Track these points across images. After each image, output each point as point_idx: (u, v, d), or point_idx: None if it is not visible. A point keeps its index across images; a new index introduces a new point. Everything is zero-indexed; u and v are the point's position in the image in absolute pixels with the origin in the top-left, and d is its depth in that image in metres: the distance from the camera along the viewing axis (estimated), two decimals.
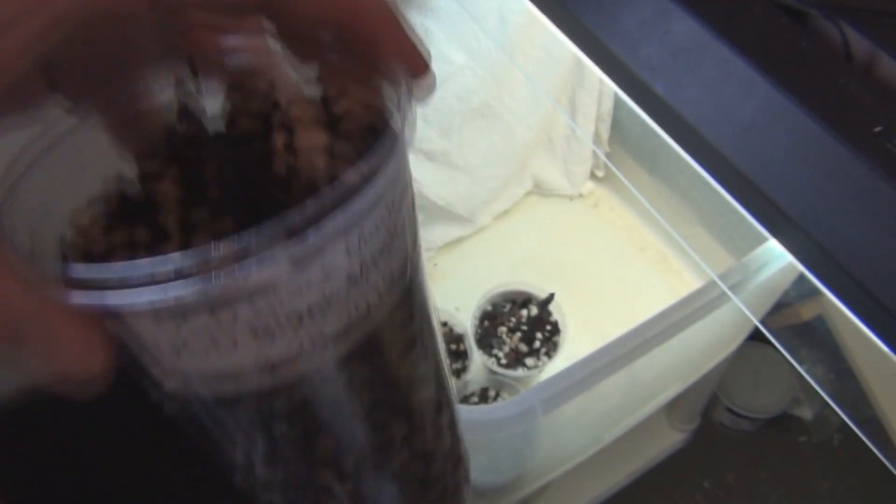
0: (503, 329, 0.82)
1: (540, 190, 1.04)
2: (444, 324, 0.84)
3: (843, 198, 0.34)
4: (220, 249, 0.15)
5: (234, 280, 0.16)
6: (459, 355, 0.81)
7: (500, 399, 0.80)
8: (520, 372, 0.78)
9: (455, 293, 0.94)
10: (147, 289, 0.16)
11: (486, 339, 0.81)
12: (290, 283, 0.16)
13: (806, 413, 1.10)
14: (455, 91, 0.83)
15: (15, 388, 1.15)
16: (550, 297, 0.82)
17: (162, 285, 0.16)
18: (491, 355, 0.80)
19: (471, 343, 0.80)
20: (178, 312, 0.17)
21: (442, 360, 0.24)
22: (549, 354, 0.80)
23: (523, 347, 0.80)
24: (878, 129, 0.34)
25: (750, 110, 0.37)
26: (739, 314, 0.65)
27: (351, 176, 0.17)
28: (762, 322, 0.53)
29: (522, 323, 0.82)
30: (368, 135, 0.19)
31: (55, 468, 1.15)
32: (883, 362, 0.37)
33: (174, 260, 0.15)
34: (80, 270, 0.16)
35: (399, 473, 0.22)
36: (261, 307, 0.17)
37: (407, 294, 0.21)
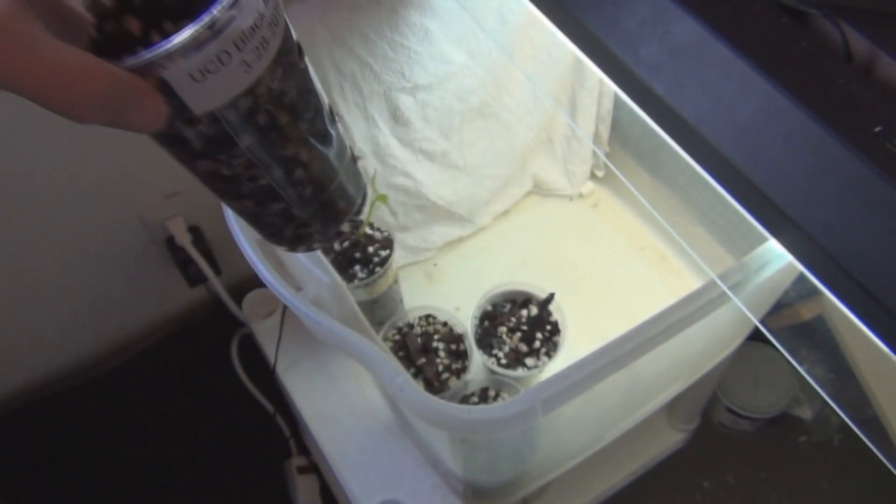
0: (503, 329, 0.82)
1: (540, 190, 1.04)
2: (445, 324, 0.84)
3: (843, 198, 0.34)
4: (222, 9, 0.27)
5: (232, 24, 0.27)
6: (459, 355, 0.81)
7: (500, 399, 0.80)
8: (520, 372, 0.78)
9: (455, 293, 0.94)
10: (184, 56, 0.26)
11: (486, 339, 0.81)
12: (244, 31, 0.28)
13: (806, 413, 1.10)
14: (455, 91, 0.83)
15: (15, 388, 1.15)
16: (550, 297, 0.82)
17: (194, 48, 0.26)
18: (491, 355, 0.80)
19: (471, 343, 0.80)
20: (201, 68, 0.27)
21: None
22: (549, 354, 0.80)
23: (523, 347, 0.80)
24: (878, 129, 0.34)
25: (750, 110, 0.37)
26: (739, 314, 0.65)
27: None
28: (762, 322, 0.53)
29: (522, 323, 0.82)
30: None
31: (55, 468, 1.15)
32: (883, 362, 0.37)
33: (190, 30, 0.26)
34: (144, 54, 0.26)
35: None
36: (242, 48, 0.28)
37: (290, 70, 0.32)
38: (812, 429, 1.11)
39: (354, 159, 0.38)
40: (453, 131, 0.87)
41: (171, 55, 0.26)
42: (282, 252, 0.60)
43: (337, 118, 0.36)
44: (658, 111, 0.43)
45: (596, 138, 0.97)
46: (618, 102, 0.94)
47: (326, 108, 0.35)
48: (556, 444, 0.74)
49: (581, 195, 1.04)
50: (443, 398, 0.74)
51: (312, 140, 0.34)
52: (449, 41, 0.77)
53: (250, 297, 0.97)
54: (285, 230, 0.38)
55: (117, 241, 1.03)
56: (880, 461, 0.43)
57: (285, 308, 0.93)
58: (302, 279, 0.59)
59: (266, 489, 1.11)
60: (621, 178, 0.99)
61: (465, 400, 0.80)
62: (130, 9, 0.28)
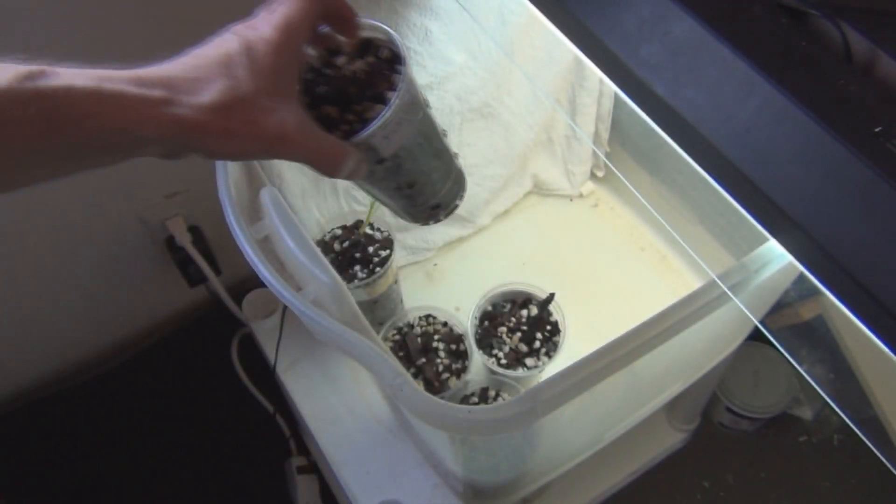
0: (503, 329, 0.82)
1: (540, 190, 1.04)
2: (445, 324, 0.84)
3: (843, 198, 0.34)
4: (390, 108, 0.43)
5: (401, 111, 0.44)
6: (459, 355, 0.81)
7: (500, 399, 0.80)
8: (520, 372, 0.78)
9: (455, 293, 0.94)
10: (381, 129, 0.43)
11: (486, 339, 0.81)
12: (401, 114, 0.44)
13: (806, 413, 1.10)
14: (455, 91, 0.83)
15: (15, 388, 1.15)
16: (550, 297, 0.82)
17: (384, 123, 0.43)
18: (491, 355, 0.80)
19: (471, 343, 0.80)
20: (388, 132, 0.44)
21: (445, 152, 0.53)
22: (549, 354, 0.80)
23: (523, 347, 0.80)
24: (878, 129, 0.34)
25: (750, 110, 0.37)
26: (739, 314, 0.65)
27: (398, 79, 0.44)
28: (762, 322, 0.53)
29: (522, 323, 0.82)
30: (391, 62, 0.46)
31: (55, 468, 1.15)
32: (883, 362, 0.37)
33: (383, 117, 0.43)
34: (363, 134, 0.43)
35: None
36: (407, 111, 0.44)
37: (425, 118, 0.48)
38: (812, 429, 1.11)
39: (455, 157, 0.55)
40: (453, 131, 0.87)
41: (373, 132, 0.44)
42: (283, 252, 0.60)
43: (444, 133, 0.52)
44: (658, 111, 0.43)
45: (596, 138, 0.97)
46: (618, 102, 0.94)
47: (440, 129, 0.51)
48: (556, 444, 0.74)
49: (581, 195, 1.04)
50: (443, 398, 0.74)
51: (440, 152, 0.52)
52: (449, 41, 0.77)
53: (250, 297, 0.97)
54: (425, 213, 0.55)
55: (117, 241, 1.03)
56: (880, 461, 0.43)
57: (285, 308, 0.93)
58: (302, 279, 0.59)
59: (266, 489, 1.11)
60: (621, 178, 0.99)
61: (465, 400, 0.80)
62: (325, 101, 0.45)
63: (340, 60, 0.46)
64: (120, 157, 0.36)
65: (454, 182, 0.55)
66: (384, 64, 0.46)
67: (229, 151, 0.39)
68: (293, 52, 0.41)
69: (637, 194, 0.98)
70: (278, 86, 0.39)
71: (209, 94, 0.37)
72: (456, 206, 0.57)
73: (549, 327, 0.82)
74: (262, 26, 0.40)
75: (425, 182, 0.51)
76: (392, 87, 0.44)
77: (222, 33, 0.40)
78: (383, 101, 0.44)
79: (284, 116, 0.40)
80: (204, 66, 0.37)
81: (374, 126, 0.43)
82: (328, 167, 0.43)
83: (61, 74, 0.33)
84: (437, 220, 0.56)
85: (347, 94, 0.45)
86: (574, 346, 0.80)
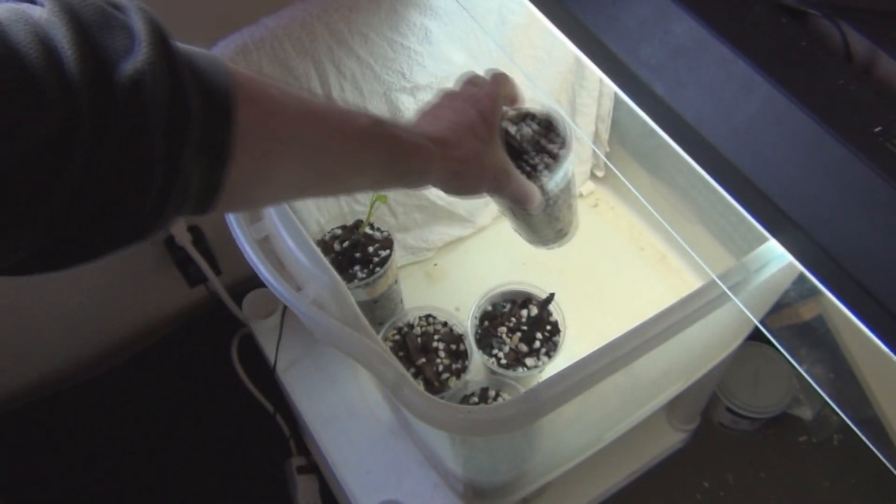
0: (503, 329, 0.82)
1: None
2: (445, 324, 0.84)
3: (843, 198, 0.34)
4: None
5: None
6: (459, 355, 0.81)
7: (500, 399, 0.80)
8: (520, 372, 0.78)
9: (455, 293, 0.94)
10: (556, 178, 0.61)
11: (486, 339, 0.81)
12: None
13: (806, 413, 1.10)
14: None
15: (15, 387, 1.15)
16: (550, 297, 0.82)
17: (560, 176, 0.61)
18: (491, 355, 0.80)
19: (471, 343, 0.80)
20: (557, 180, 0.61)
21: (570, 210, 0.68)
22: (549, 354, 0.80)
23: (523, 347, 0.80)
24: (878, 129, 0.34)
25: (750, 110, 0.37)
26: (739, 314, 0.65)
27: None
28: (762, 322, 0.53)
29: (522, 323, 0.82)
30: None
31: (55, 468, 1.15)
32: (883, 362, 0.37)
33: (560, 171, 0.61)
34: (552, 186, 0.61)
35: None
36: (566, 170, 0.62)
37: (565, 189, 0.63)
38: (812, 429, 1.11)
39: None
40: None
41: (554, 179, 0.60)
42: (283, 252, 0.60)
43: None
44: (658, 111, 0.43)
45: (596, 138, 0.97)
46: (618, 102, 0.94)
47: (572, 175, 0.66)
48: (557, 444, 0.74)
49: (581, 195, 1.04)
50: (443, 398, 0.74)
51: (573, 192, 0.67)
52: (449, 41, 0.77)
53: (250, 297, 0.97)
54: (552, 236, 0.69)
55: None
56: (880, 461, 0.43)
57: (285, 308, 0.93)
58: (302, 279, 0.59)
59: (266, 489, 1.11)
60: (621, 178, 0.99)
61: (465, 400, 0.80)
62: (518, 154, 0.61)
63: (513, 128, 0.62)
64: (413, 185, 0.52)
65: (574, 213, 0.69)
66: (542, 130, 0.63)
67: (474, 187, 0.55)
68: (499, 118, 0.59)
69: (637, 194, 0.98)
70: (497, 140, 0.57)
71: (467, 150, 0.53)
72: (572, 232, 0.71)
73: (549, 327, 0.82)
74: (485, 101, 0.57)
75: (563, 213, 0.66)
76: (551, 146, 0.61)
77: (457, 103, 0.57)
78: (552, 156, 0.61)
79: (504, 161, 0.58)
80: (461, 130, 0.54)
81: (556, 174, 0.60)
82: (527, 200, 0.59)
83: (389, 124, 0.48)
84: (559, 244, 0.71)
85: (515, 149, 0.61)
86: (574, 346, 0.80)
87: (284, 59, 0.68)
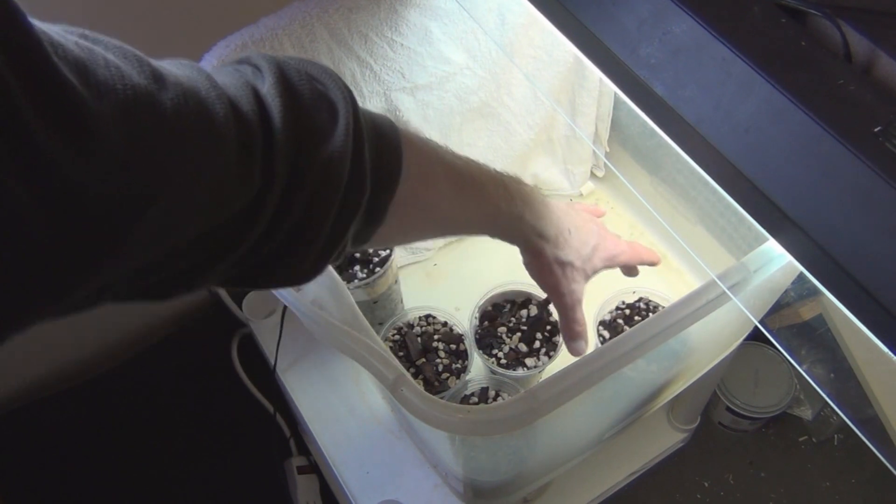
0: (503, 329, 0.82)
1: (540, 190, 1.04)
2: (444, 324, 0.84)
3: (843, 198, 0.34)
4: None
5: None
6: (459, 355, 0.81)
7: (500, 399, 0.80)
8: (520, 372, 0.78)
9: (455, 293, 0.94)
10: None
11: (486, 339, 0.81)
12: None
13: (806, 413, 1.10)
14: (455, 91, 0.83)
15: (15, 387, 1.14)
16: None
17: None
18: (491, 355, 0.80)
19: (471, 343, 0.80)
20: None
21: None
22: (548, 354, 0.80)
23: (523, 347, 0.80)
24: (877, 128, 0.34)
25: (750, 110, 0.37)
26: (739, 314, 0.65)
27: None
28: (762, 322, 0.53)
29: (522, 323, 0.82)
30: None
31: (55, 468, 1.15)
32: (883, 362, 0.37)
33: None
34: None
35: None
36: None
37: None
38: (812, 429, 1.11)
39: None
40: (453, 131, 0.87)
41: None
42: None
43: None
44: (658, 111, 0.43)
45: (596, 138, 0.97)
46: (618, 102, 0.94)
47: None
48: (556, 444, 0.74)
49: (581, 195, 1.04)
50: (443, 398, 0.74)
51: None
52: (449, 41, 0.77)
53: (250, 297, 0.97)
54: None
55: None
56: (880, 461, 0.43)
57: (285, 308, 0.93)
58: None
59: (266, 489, 1.11)
60: (621, 178, 0.99)
61: (465, 400, 0.80)
62: None
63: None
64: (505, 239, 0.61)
65: None
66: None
67: (541, 280, 0.64)
68: (604, 267, 0.67)
69: (637, 194, 0.98)
70: (588, 275, 0.65)
71: (570, 256, 0.62)
72: None
73: (548, 327, 0.82)
74: (609, 247, 0.67)
75: None
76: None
77: (591, 225, 0.65)
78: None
79: (578, 292, 0.64)
80: (580, 243, 0.63)
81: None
82: (637, 259, 0.71)
83: (518, 200, 0.55)
84: None
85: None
86: None
87: None
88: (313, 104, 0.37)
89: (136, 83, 0.28)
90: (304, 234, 0.36)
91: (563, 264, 0.62)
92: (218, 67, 0.38)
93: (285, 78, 0.36)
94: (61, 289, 0.27)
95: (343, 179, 0.37)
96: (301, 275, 0.39)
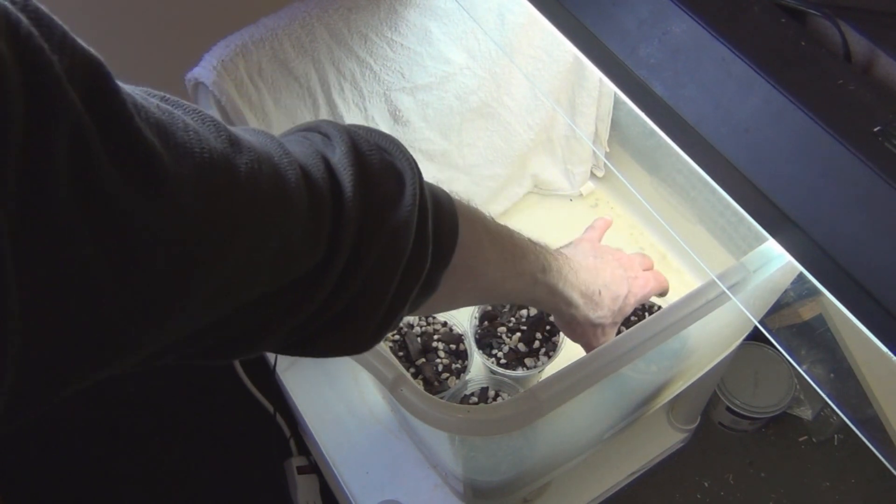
0: (503, 329, 0.82)
1: (540, 190, 1.04)
2: (444, 324, 0.84)
3: (843, 198, 0.34)
4: None
5: None
6: (459, 355, 0.81)
7: (500, 399, 0.80)
8: (520, 372, 0.78)
9: None
10: None
11: (486, 339, 0.81)
12: None
13: (806, 413, 1.10)
14: (455, 91, 0.83)
15: None
16: None
17: None
18: (491, 355, 0.80)
19: (471, 343, 0.80)
20: None
21: None
22: (548, 354, 0.80)
23: (523, 347, 0.80)
24: (877, 128, 0.34)
25: (750, 110, 0.37)
26: (739, 314, 0.65)
27: None
28: (762, 322, 0.53)
29: (522, 323, 0.82)
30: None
31: (55, 468, 1.15)
32: (883, 362, 0.37)
33: None
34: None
35: None
36: None
37: None
38: (812, 429, 1.11)
39: None
40: (453, 131, 0.87)
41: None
42: None
43: None
44: (658, 111, 0.43)
45: (596, 138, 0.97)
46: (617, 102, 0.94)
47: None
48: (556, 444, 0.74)
49: (581, 195, 1.04)
50: (442, 398, 0.74)
51: None
52: (449, 41, 0.77)
53: None
54: None
55: None
56: (880, 461, 0.43)
57: None
58: None
59: (266, 489, 1.11)
60: (621, 178, 0.99)
61: (464, 400, 0.80)
62: None
63: None
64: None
65: None
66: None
67: (576, 337, 0.66)
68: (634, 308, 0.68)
69: (637, 194, 0.98)
70: (619, 323, 0.66)
71: (603, 315, 0.63)
72: None
73: (548, 327, 0.82)
74: (638, 291, 0.67)
75: None
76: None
77: (620, 272, 0.66)
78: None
79: (612, 336, 0.65)
80: (611, 300, 0.63)
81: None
82: (659, 288, 0.71)
83: (553, 272, 0.56)
84: None
85: None
86: (574, 346, 0.80)
87: (284, 59, 0.68)
88: (382, 174, 0.37)
89: (213, 147, 0.29)
90: (366, 301, 0.37)
91: (596, 326, 0.63)
92: (286, 134, 0.39)
93: (356, 148, 0.37)
94: (126, 344, 0.28)
95: (407, 249, 0.38)
96: (361, 342, 0.40)
